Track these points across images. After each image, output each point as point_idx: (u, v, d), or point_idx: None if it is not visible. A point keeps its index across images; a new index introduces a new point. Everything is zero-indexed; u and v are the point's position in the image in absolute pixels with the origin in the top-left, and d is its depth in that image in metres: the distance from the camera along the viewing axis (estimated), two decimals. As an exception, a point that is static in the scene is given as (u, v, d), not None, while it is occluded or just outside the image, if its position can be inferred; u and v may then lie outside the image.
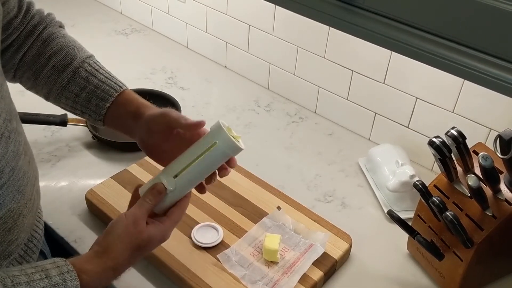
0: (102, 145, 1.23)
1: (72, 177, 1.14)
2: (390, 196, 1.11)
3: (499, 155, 0.76)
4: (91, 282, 0.68)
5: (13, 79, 0.89)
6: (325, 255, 0.95)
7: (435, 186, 0.93)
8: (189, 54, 1.67)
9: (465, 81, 1.06)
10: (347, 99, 1.32)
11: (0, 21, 0.77)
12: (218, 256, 0.93)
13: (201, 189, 0.81)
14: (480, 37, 0.66)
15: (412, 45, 0.72)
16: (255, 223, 1.01)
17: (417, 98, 1.18)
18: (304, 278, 0.91)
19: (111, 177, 1.09)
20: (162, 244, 0.94)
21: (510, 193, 0.84)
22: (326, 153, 1.28)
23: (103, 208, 1.01)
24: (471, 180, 0.80)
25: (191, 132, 0.78)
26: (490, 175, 0.81)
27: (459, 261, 0.87)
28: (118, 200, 1.03)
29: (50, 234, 1.01)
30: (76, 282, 0.66)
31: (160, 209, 0.77)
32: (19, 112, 1.06)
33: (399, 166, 1.10)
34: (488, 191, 0.84)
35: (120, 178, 1.08)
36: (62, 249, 1.00)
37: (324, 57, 1.31)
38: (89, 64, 0.87)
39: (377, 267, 0.99)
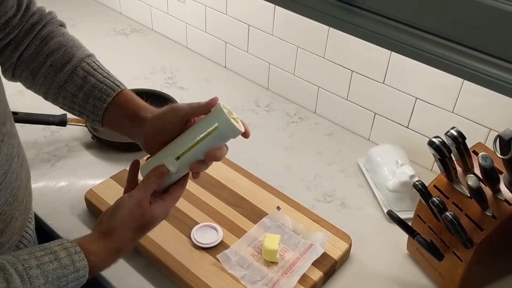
0: (101, 145, 1.23)
1: (71, 177, 1.14)
2: (390, 196, 1.11)
3: (499, 155, 0.76)
4: (98, 263, 0.70)
5: (13, 78, 0.89)
6: (324, 255, 0.95)
7: (434, 186, 0.93)
8: (189, 54, 1.67)
9: (465, 81, 1.06)
10: (346, 99, 1.32)
11: None
12: (217, 256, 0.93)
13: (195, 174, 0.80)
14: (479, 37, 0.66)
15: (411, 45, 0.72)
16: (255, 223, 1.00)
17: (416, 98, 1.18)
18: (303, 279, 0.91)
19: (110, 177, 1.09)
20: (162, 245, 0.95)
21: (509, 193, 0.84)
22: (325, 153, 1.28)
23: (102, 209, 1.01)
24: (471, 180, 0.80)
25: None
26: (490, 175, 0.81)
27: (458, 261, 0.87)
28: (118, 200, 1.02)
29: (49, 235, 1.01)
30: (84, 262, 0.67)
31: (160, 188, 0.78)
32: (19, 112, 1.06)
33: (398, 166, 1.10)
34: (487, 191, 0.84)
35: (120, 178, 1.08)
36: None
37: (323, 57, 1.31)
38: (88, 64, 0.86)
39: (376, 267, 0.99)
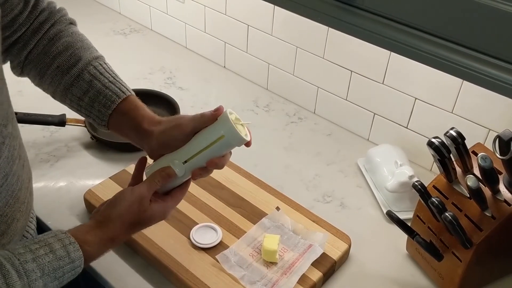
0: (100, 145, 1.23)
1: (70, 178, 1.14)
2: (389, 196, 1.11)
3: (498, 156, 0.76)
4: (92, 252, 0.71)
5: (22, 75, 0.88)
6: (324, 255, 0.94)
7: (434, 186, 0.93)
8: (188, 54, 1.67)
9: (464, 81, 1.06)
10: (346, 100, 1.32)
11: None
12: (217, 256, 0.93)
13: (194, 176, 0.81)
14: (478, 38, 0.66)
15: (411, 46, 0.72)
16: (254, 224, 1.00)
17: (416, 98, 1.18)
18: (303, 279, 0.91)
19: (109, 178, 1.09)
20: (161, 245, 0.95)
21: (509, 193, 0.84)
22: (325, 154, 1.28)
23: (101, 209, 1.01)
24: (470, 180, 0.80)
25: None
26: (489, 175, 0.81)
27: (458, 261, 0.87)
28: (117, 201, 1.02)
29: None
30: (79, 253, 0.68)
31: (162, 190, 0.80)
32: (18, 113, 1.05)
33: (398, 167, 1.10)
34: (487, 191, 0.84)
35: (119, 179, 1.08)
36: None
37: (323, 58, 1.31)
38: (94, 67, 0.84)
39: (376, 267, 0.99)
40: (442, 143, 0.85)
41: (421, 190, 0.88)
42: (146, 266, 0.95)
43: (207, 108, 1.41)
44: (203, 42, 1.62)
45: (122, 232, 0.74)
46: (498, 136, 0.74)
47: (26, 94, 1.29)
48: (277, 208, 1.03)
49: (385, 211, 1.03)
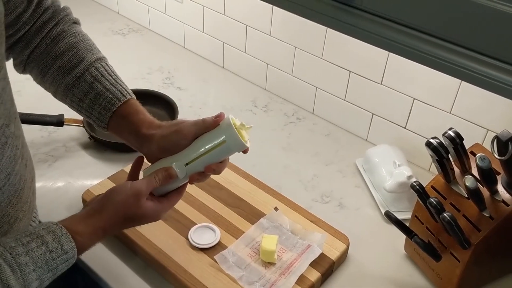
0: (98, 145, 1.23)
1: (69, 178, 1.14)
2: (388, 196, 1.11)
3: (496, 156, 0.76)
4: (84, 242, 0.70)
5: (24, 72, 0.88)
6: (322, 256, 0.94)
7: (432, 187, 0.93)
8: (186, 54, 1.66)
9: (462, 82, 1.06)
10: (344, 100, 1.32)
11: (2, 18, 0.75)
12: (215, 257, 0.93)
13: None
14: (477, 38, 0.66)
15: (409, 46, 0.72)
16: (252, 224, 1.00)
17: (414, 99, 1.18)
18: (301, 279, 0.91)
19: (107, 178, 1.09)
20: (159, 245, 0.94)
21: (507, 194, 0.84)
22: (323, 154, 1.28)
23: (100, 209, 1.01)
24: (469, 181, 0.80)
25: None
26: (488, 176, 0.81)
27: (456, 262, 0.87)
28: (115, 201, 1.02)
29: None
30: (72, 244, 0.68)
31: (158, 192, 0.79)
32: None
33: (396, 167, 1.10)
34: (485, 192, 0.85)
35: (117, 179, 1.08)
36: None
37: (321, 58, 1.31)
38: (96, 69, 0.83)
39: (374, 268, 0.99)
40: (440, 143, 0.85)
41: (419, 191, 0.88)
42: (145, 267, 0.95)
43: (206, 108, 1.43)
44: (201, 42, 1.62)
45: (115, 223, 0.74)
46: (497, 137, 0.74)
47: (24, 94, 1.29)
48: (276, 209, 1.03)
49: (383, 212, 1.04)
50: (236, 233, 0.99)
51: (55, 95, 0.87)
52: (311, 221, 1.02)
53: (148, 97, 1.27)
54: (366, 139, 1.33)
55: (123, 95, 0.83)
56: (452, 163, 0.89)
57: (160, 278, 0.94)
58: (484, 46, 0.65)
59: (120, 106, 0.82)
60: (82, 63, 0.83)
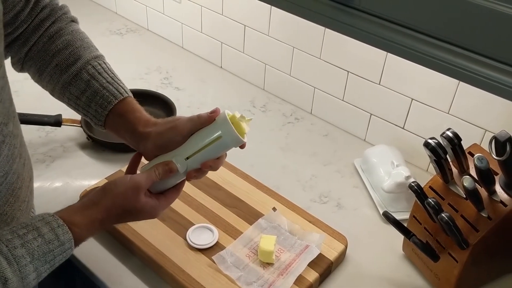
0: (96, 145, 1.22)
1: (66, 178, 1.14)
2: (386, 197, 1.11)
3: (494, 157, 0.76)
4: (82, 233, 0.70)
5: (22, 71, 0.88)
6: (320, 256, 0.94)
7: (430, 187, 0.93)
8: (185, 54, 1.66)
9: (460, 82, 1.06)
10: (342, 100, 1.32)
11: (1, 17, 0.75)
12: (213, 257, 0.93)
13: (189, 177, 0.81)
14: (475, 39, 0.66)
15: (407, 47, 0.72)
16: (251, 224, 1.00)
17: (412, 99, 1.18)
18: (299, 280, 0.90)
19: (105, 178, 1.08)
20: (157, 246, 0.94)
21: (505, 194, 0.84)
22: (321, 154, 1.28)
23: (97, 209, 1.01)
24: (467, 181, 0.80)
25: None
26: (486, 176, 0.81)
27: (454, 262, 0.87)
28: (113, 201, 1.02)
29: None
30: (68, 235, 0.68)
31: (156, 189, 0.79)
32: (13, 113, 1.04)
33: (394, 167, 1.10)
34: (483, 192, 0.85)
35: (115, 179, 1.08)
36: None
37: (319, 58, 1.31)
38: (93, 66, 0.83)
39: (372, 268, 0.99)
40: (438, 143, 0.85)
41: (418, 191, 0.88)
42: (143, 267, 0.95)
43: (204, 108, 1.42)
44: (199, 42, 1.61)
45: (113, 215, 0.73)
46: (495, 137, 0.74)
47: (22, 94, 1.28)
48: (274, 209, 1.03)
49: (381, 212, 1.04)
50: (234, 233, 0.99)
51: (52, 93, 0.87)
52: (309, 222, 1.02)
53: (146, 97, 1.27)
54: (364, 139, 1.33)
55: (120, 93, 0.83)
56: (450, 163, 0.89)
57: (158, 279, 0.93)
58: (482, 46, 0.65)
59: (116, 104, 0.82)
60: (79, 61, 0.83)
